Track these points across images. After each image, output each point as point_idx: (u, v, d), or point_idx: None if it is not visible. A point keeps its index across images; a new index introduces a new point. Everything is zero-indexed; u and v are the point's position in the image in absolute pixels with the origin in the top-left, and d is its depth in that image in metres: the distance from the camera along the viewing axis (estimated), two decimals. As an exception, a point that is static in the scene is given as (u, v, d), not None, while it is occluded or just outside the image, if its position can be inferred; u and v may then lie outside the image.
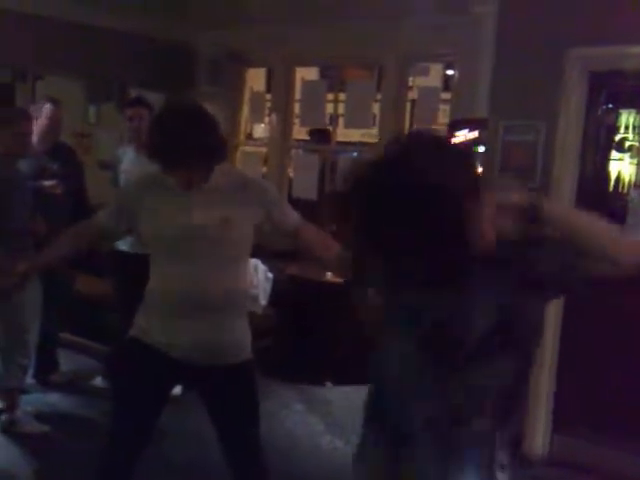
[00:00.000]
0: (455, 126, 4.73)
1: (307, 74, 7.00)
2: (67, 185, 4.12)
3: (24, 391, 3.86)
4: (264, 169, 6.40)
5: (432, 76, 5.88)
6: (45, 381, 4.26)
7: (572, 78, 3.42)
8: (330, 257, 2.24)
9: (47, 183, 4.04)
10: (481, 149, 4.27)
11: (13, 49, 5.20)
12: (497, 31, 3.61)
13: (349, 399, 4.26)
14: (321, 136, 6.14)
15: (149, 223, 2.29)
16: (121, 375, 2.48)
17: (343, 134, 6.70)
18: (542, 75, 3.46)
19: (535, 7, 3.47)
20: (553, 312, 3.56)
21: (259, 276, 4.85)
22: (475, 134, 4.57)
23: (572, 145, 3.51)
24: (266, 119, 6.95)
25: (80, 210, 3.99)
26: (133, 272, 2.89)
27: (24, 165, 3.82)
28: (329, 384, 4.59)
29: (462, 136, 4.65)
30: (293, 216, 2.41)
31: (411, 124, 5.84)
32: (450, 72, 5.66)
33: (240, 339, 2.34)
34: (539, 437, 3.66)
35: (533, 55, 3.46)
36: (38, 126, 4.08)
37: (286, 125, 6.28)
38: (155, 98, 4.68)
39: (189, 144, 2.15)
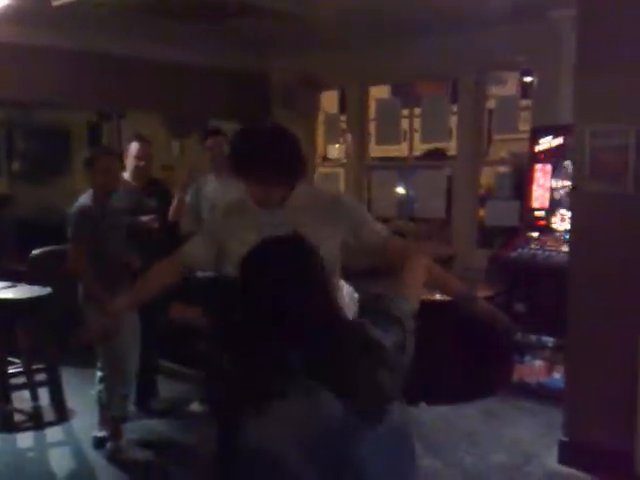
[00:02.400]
0: (538, 133, 4.63)
1: (378, 92, 7.01)
2: (163, 220, 4.28)
3: (126, 419, 3.97)
4: (342, 189, 6.44)
5: (509, 84, 5.77)
6: (146, 408, 4.39)
7: (662, 78, 3.27)
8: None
9: (145, 218, 4.21)
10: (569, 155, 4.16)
11: (98, 90, 5.45)
12: (578, 34, 3.50)
13: (445, 420, 4.18)
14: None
15: (231, 248, 2.27)
16: (221, 403, 2.51)
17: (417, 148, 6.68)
18: (629, 76, 3.33)
19: (619, 7, 3.35)
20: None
21: (345, 297, 4.80)
22: (560, 140, 4.46)
23: (666, 147, 3.33)
24: (340, 139, 7.00)
25: (174, 245, 4.10)
26: (220, 298, 2.88)
27: (122, 201, 3.98)
28: (423, 404, 4.51)
29: (546, 143, 4.55)
30: (382, 231, 2.35)
31: (489, 134, 5.76)
32: (527, 79, 5.54)
33: None
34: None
35: (619, 56, 3.34)
36: (129, 164, 4.26)
37: (362, 144, 6.31)
38: (232, 128, 4.78)
39: (266, 159, 2.15)
